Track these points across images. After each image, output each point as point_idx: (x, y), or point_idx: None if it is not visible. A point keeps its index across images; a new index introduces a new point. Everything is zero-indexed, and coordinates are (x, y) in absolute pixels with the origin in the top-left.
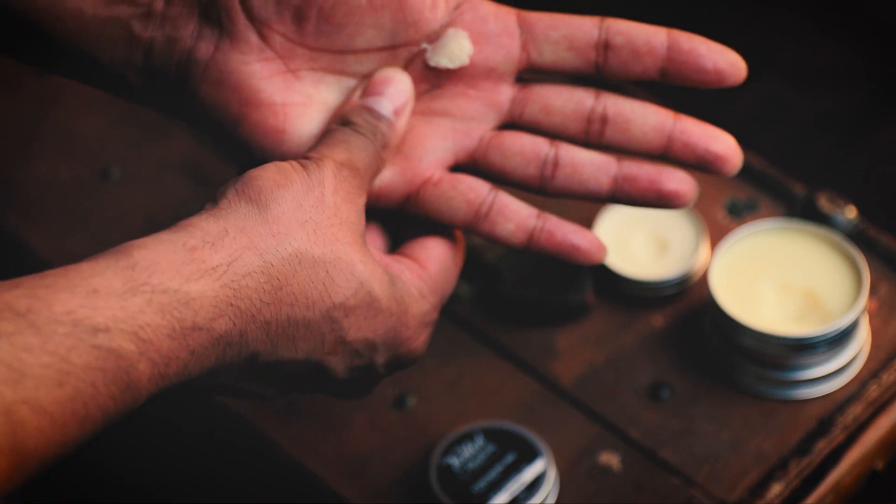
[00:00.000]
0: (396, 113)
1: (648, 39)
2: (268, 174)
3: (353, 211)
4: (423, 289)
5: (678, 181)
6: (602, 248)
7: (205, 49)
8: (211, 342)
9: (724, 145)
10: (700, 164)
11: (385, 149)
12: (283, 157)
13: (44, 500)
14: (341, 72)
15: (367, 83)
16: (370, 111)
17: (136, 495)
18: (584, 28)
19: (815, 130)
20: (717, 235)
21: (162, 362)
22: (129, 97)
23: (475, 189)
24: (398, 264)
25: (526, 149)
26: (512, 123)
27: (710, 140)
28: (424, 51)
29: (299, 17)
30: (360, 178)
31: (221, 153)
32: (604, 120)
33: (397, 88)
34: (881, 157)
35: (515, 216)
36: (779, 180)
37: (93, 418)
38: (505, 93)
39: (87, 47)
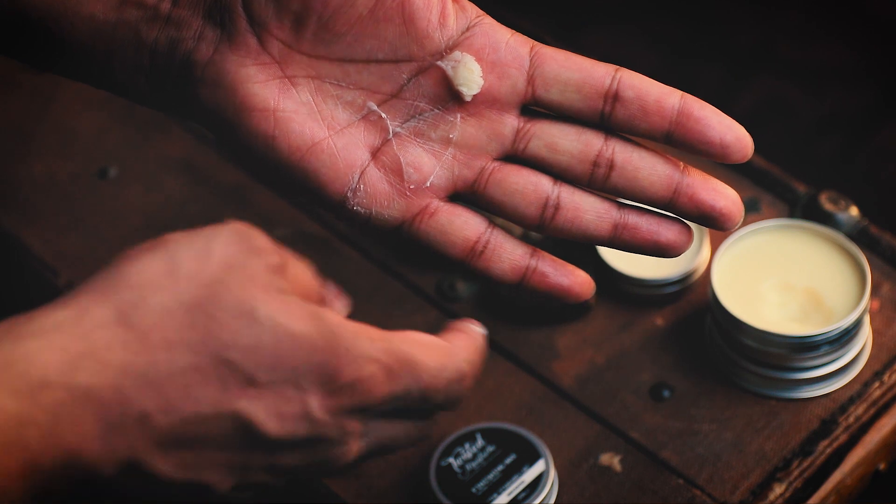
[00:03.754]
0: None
1: (660, 99)
2: (129, 255)
3: (257, 264)
4: (371, 332)
5: (676, 233)
6: (590, 288)
7: (204, 51)
8: (74, 399)
9: (728, 202)
10: (702, 219)
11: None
12: (275, 164)
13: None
14: (341, 82)
15: (448, 324)
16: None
17: (136, 497)
18: (597, 74)
19: (817, 130)
20: (718, 235)
21: (13, 430)
22: (137, 99)
23: (472, 226)
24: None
25: (528, 188)
26: (514, 156)
27: (716, 195)
28: (429, 68)
29: (298, 23)
30: (275, 258)
31: (225, 154)
32: (611, 165)
33: (465, 343)
34: (883, 156)
35: (510, 256)
36: (781, 179)
37: None
38: (509, 124)
39: (99, 52)
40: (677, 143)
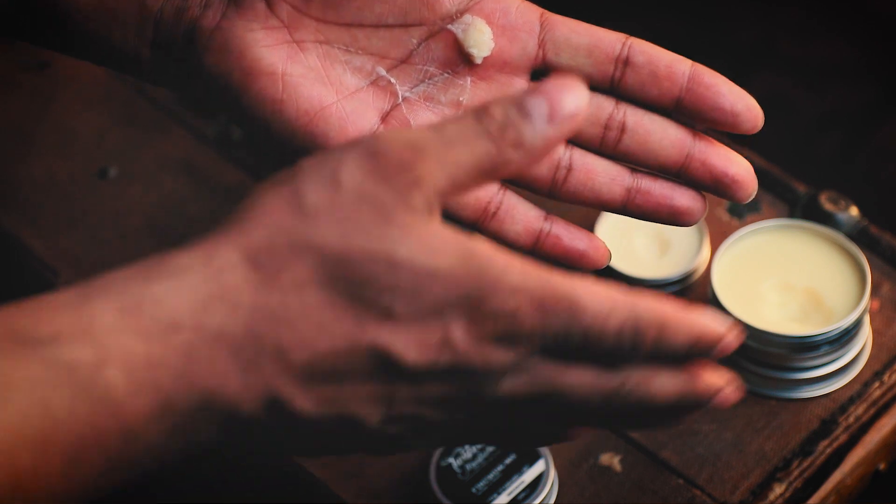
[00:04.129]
0: (552, 119)
1: (671, 64)
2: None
3: (389, 192)
4: (525, 266)
5: (690, 199)
6: (606, 254)
7: (211, 17)
8: (205, 340)
9: (741, 169)
10: (715, 186)
11: (517, 149)
12: (282, 129)
13: None
14: (350, 47)
15: (540, 82)
16: (518, 106)
17: (136, 496)
18: (608, 39)
19: (817, 129)
20: (718, 235)
21: (143, 371)
22: (139, 75)
23: (484, 188)
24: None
25: None
26: None
27: (729, 162)
28: (439, 32)
29: None
30: (424, 164)
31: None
32: (622, 128)
33: (567, 96)
34: (884, 156)
35: (523, 218)
36: (781, 179)
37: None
38: (520, 87)
39: (102, 24)
40: (687, 110)
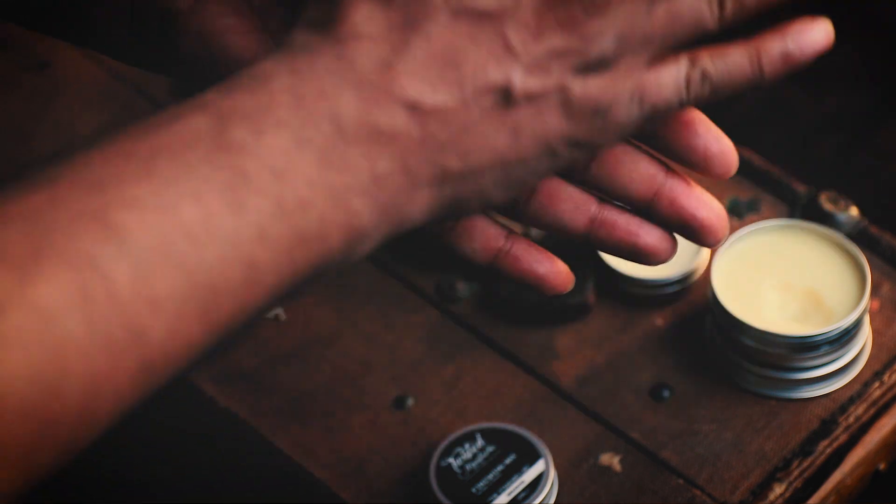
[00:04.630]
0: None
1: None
2: None
3: None
4: None
5: (657, 238)
6: (568, 279)
7: (185, 1)
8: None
9: (712, 214)
10: (682, 229)
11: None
12: None
13: (43, 500)
14: None
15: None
16: None
17: (136, 497)
18: None
19: (817, 130)
20: None
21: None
22: (117, 54)
23: None
24: None
25: None
26: None
27: (700, 205)
28: None
29: None
30: None
31: None
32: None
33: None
34: (883, 156)
35: (481, 235)
36: (780, 179)
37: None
38: None
39: (83, 3)
40: (659, 143)
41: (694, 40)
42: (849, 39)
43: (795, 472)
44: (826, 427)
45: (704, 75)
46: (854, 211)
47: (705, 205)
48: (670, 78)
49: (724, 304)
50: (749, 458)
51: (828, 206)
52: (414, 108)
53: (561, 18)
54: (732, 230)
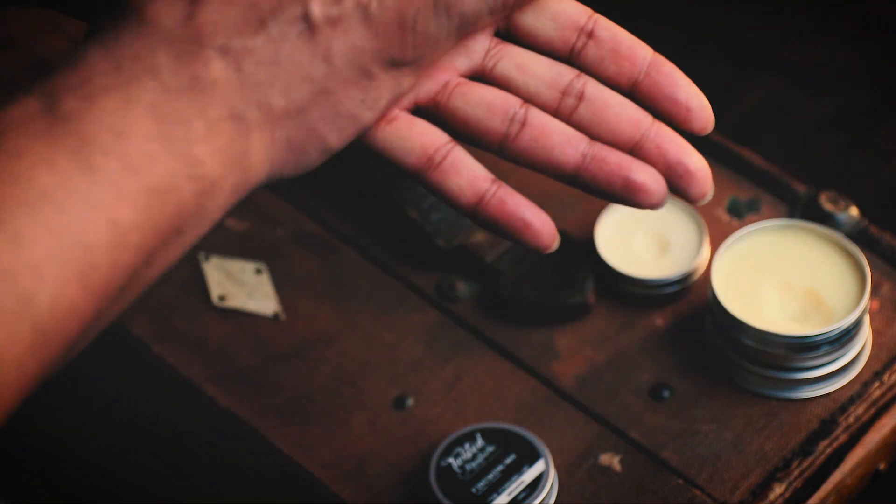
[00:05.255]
0: None
1: (633, 46)
2: None
3: None
4: None
5: (648, 175)
6: (554, 235)
7: None
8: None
9: (699, 164)
10: (668, 174)
11: None
12: None
13: (43, 500)
14: None
15: None
16: None
17: (135, 497)
18: (574, 9)
19: (817, 130)
20: (718, 235)
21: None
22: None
23: (432, 135)
24: None
25: (495, 101)
26: (482, 77)
27: (686, 153)
28: None
29: None
30: None
31: None
32: (580, 97)
33: None
34: (883, 156)
35: (469, 173)
36: (780, 179)
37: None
38: (481, 41)
39: None
40: (643, 95)
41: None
42: (849, 39)
43: (795, 472)
44: (826, 427)
45: None
46: (854, 211)
47: (692, 154)
48: None
49: (724, 304)
50: (749, 458)
51: (828, 205)
52: (225, 53)
53: None
54: (732, 230)
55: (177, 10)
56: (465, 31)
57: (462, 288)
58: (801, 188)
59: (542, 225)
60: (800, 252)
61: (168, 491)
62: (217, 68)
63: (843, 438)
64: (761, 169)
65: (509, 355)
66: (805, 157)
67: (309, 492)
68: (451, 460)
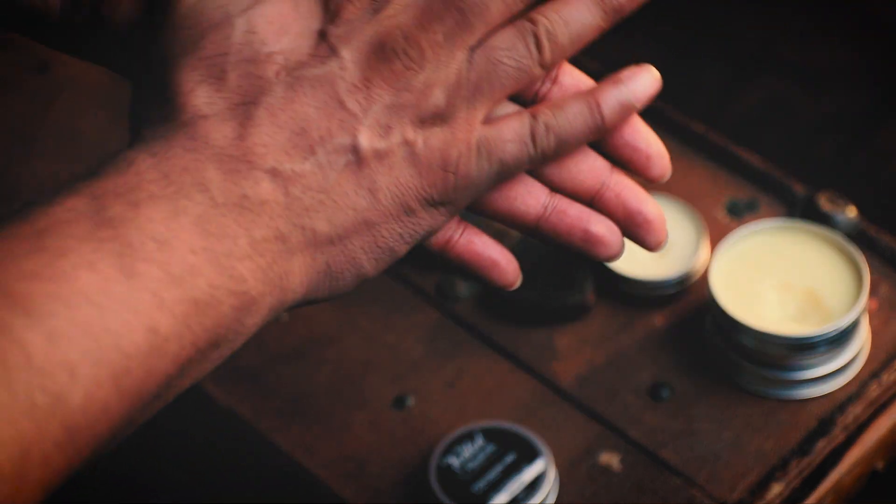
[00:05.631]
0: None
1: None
2: None
3: None
4: None
5: (607, 228)
6: (517, 273)
7: None
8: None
9: (657, 212)
10: (626, 223)
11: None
12: None
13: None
14: None
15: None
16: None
17: (137, 496)
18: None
19: (817, 130)
20: (717, 235)
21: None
22: (48, 41)
23: None
24: None
25: None
26: None
27: (644, 201)
28: None
29: None
30: None
31: None
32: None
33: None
34: (883, 156)
35: None
36: (779, 180)
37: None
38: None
39: None
40: (603, 141)
41: (526, 88)
42: (849, 39)
43: (794, 472)
44: (824, 427)
45: (548, 128)
46: (852, 211)
47: (650, 201)
48: (514, 132)
49: (724, 304)
50: (748, 458)
51: (826, 206)
52: (275, 175)
53: (385, 76)
54: (731, 230)
55: (228, 129)
56: (503, 176)
57: (462, 288)
58: (799, 189)
59: (507, 263)
60: (798, 252)
61: (168, 490)
62: (266, 189)
63: (841, 438)
64: (760, 169)
65: (509, 355)
66: (805, 158)
67: (309, 491)
68: (451, 459)
